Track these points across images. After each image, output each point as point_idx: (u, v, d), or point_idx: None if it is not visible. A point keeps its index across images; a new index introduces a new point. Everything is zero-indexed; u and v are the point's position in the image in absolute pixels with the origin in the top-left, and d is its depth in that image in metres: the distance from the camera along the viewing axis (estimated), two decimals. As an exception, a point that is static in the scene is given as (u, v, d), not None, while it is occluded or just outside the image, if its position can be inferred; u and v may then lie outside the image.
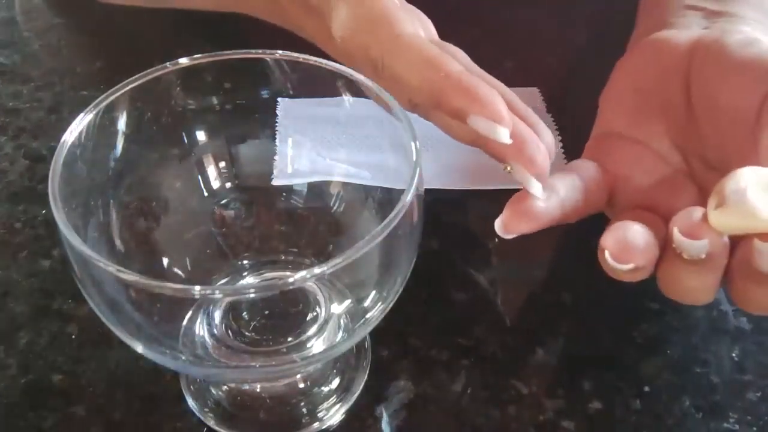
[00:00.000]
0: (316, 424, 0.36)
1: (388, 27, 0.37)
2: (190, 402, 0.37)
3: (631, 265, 0.32)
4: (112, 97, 0.34)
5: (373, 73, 0.38)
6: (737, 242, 0.33)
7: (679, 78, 0.38)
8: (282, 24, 0.47)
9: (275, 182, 0.41)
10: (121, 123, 0.36)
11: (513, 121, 0.36)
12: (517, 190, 0.45)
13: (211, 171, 0.39)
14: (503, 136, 0.35)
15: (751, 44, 0.37)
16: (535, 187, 0.36)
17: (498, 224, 0.35)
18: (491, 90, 0.35)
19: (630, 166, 0.39)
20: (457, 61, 0.37)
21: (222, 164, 0.39)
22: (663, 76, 0.39)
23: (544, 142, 0.36)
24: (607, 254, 0.33)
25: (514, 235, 0.35)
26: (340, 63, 0.39)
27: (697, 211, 0.32)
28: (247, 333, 0.37)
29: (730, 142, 0.36)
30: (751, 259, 0.31)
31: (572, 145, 0.46)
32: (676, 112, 0.39)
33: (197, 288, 0.33)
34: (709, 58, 0.38)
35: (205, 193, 0.39)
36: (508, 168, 0.36)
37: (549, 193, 0.36)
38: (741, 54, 0.37)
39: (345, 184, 0.40)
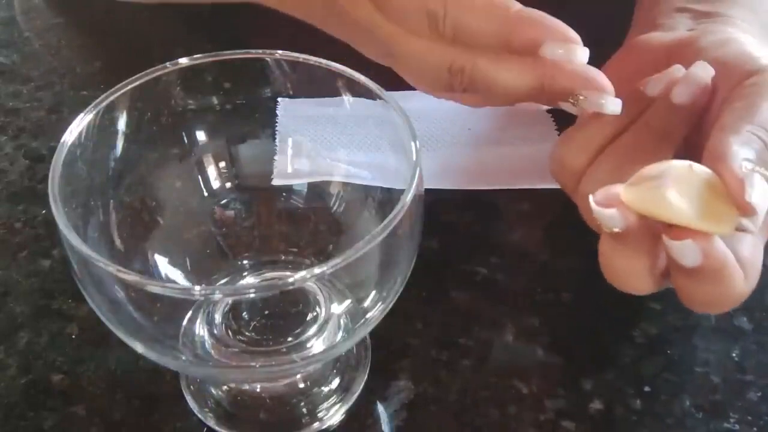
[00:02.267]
0: (316, 424, 0.36)
1: None
2: (190, 402, 0.37)
3: (613, 210, 0.32)
4: (112, 97, 0.34)
5: (430, 27, 0.38)
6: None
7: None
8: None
9: (275, 182, 0.41)
10: (121, 123, 0.36)
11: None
12: (516, 191, 0.45)
13: (211, 171, 0.39)
14: (582, 54, 0.36)
15: (724, 45, 0.37)
16: (615, 104, 0.37)
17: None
18: (557, 20, 0.36)
19: None
20: None
21: (222, 164, 0.39)
22: (640, 77, 0.39)
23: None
24: (591, 201, 0.33)
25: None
26: (374, 25, 0.38)
27: (618, 187, 0.32)
28: (247, 333, 0.37)
29: (701, 143, 0.36)
30: (669, 251, 0.32)
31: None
32: None
33: (197, 288, 0.33)
34: (685, 59, 0.38)
35: (205, 193, 0.39)
36: (581, 97, 0.37)
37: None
38: (713, 54, 0.37)
39: (345, 184, 0.40)
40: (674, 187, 0.31)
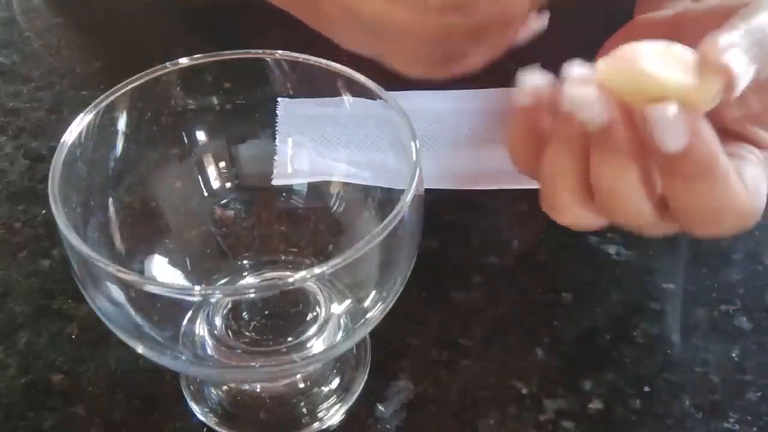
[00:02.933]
0: (316, 424, 0.36)
1: None
2: (190, 402, 0.37)
3: (591, 92, 0.30)
4: (112, 97, 0.34)
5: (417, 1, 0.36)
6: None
7: None
8: None
9: (275, 182, 0.41)
10: (121, 123, 0.36)
11: None
12: (516, 191, 0.45)
13: (211, 171, 0.39)
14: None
15: (723, 3, 0.36)
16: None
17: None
18: None
19: None
20: None
21: (222, 164, 0.39)
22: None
23: None
24: (566, 88, 0.31)
25: None
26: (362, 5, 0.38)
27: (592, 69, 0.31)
28: (247, 333, 0.37)
29: None
30: (651, 136, 0.29)
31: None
32: None
33: (197, 288, 0.33)
34: (688, 24, 0.37)
35: (205, 193, 0.39)
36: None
37: None
38: (714, 10, 0.36)
39: (345, 184, 0.40)
40: (653, 58, 0.30)
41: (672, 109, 0.29)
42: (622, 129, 0.30)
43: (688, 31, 0.37)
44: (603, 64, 0.30)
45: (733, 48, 0.30)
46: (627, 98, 0.30)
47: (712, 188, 0.31)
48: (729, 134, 0.35)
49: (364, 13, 0.39)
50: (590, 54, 0.40)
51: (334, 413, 0.36)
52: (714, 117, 0.35)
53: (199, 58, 0.36)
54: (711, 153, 0.30)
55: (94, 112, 0.34)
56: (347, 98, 0.37)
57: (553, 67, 0.37)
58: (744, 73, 0.30)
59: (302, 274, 0.28)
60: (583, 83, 0.30)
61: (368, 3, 0.39)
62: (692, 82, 0.30)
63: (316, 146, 0.43)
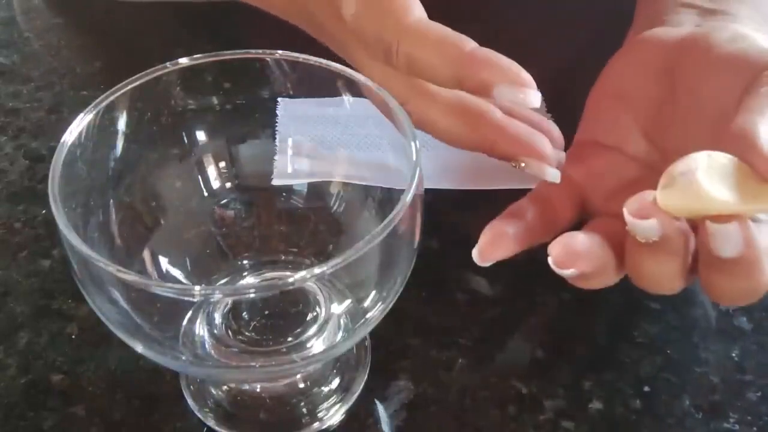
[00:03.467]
0: (316, 424, 0.36)
1: (401, 10, 0.37)
2: (190, 402, 0.37)
3: (572, 270, 0.33)
4: (112, 97, 0.34)
5: (385, 57, 0.38)
6: (698, 229, 0.32)
7: (665, 75, 0.38)
8: (286, 6, 0.46)
9: (275, 182, 0.41)
10: (121, 123, 0.36)
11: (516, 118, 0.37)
12: (517, 191, 0.45)
13: (211, 171, 0.39)
14: (534, 99, 0.35)
15: (736, 40, 0.37)
16: (553, 175, 0.37)
17: (475, 253, 0.36)
18: (511, 61, 0.36)
19: (601, 174, 0.39)
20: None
21: (222, 164, 0.39)
22: (648, 74, 0.39)
23: (552, 132, 0.39)
24: (550, 260, 0.34)
25: (491, 262, 0.36)
26: (347, 43, 0.38)
27: (650, 194, 0.32)
28: (247, 333, 0.37)
29: (714, 137, 0.36)
30: (707, 243, 0.31)
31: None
32: (659, 110, 0.39)
33: (197, 288, 0.33)
34: (695, 54, 0.38)
35: (205, 193, 0.39)
36: (522, 164, 0.38)
37: (516, 222, 0.37)
38: (727, 49, 0.37)
39: (345, 184, 0.40)
40: (707, 178, 0.30)
41: (734, 228, 0.30)
42: (675, 238, 0.32)
43: (694, 58, 0.37)
44: (665, 195, 0.31)
45: None
46: (685, 216, 0.32)
47: (745, 282, 0.32)
48: None
49: (353, 56, 0.40)
50: (590, 52, 0.40)
51: (334, 413, 0.36)
52: None
53: (199, 58, 0.36)
54: (758, 257, 0.31)
55: (94, 112, 0.34)
56: (347, 98, 0.37)
57: (555, 64, 0.37)
58: None
59: (302, 274, 0.28)
60: (643, 211, 0.32)
61: (356, 49, 0.40)
62: (747, 202, 0.30)
63: (316, 146, 0.43)
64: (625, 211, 0.32)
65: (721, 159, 0.31)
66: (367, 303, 0.34)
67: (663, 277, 0.34)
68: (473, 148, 0.40)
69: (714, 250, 0.31)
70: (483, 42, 0.36)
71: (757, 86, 0.34)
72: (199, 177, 0.39)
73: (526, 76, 0.35)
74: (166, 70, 0.36)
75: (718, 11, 0.40)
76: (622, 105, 0.40)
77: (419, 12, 0.38)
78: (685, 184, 0.31)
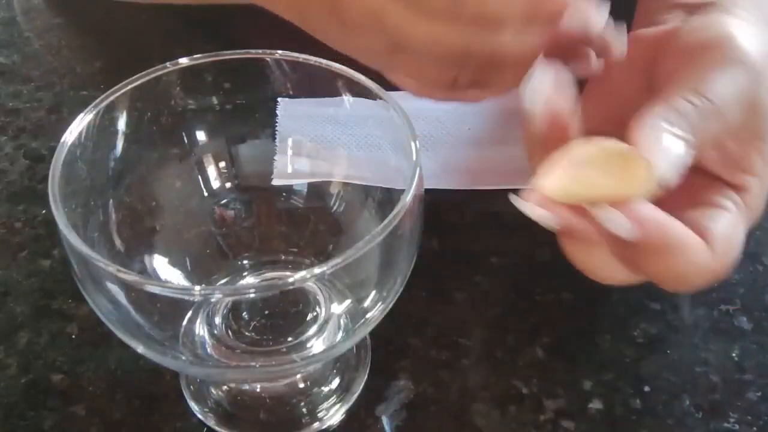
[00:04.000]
0: (316, 424, 0.36)
1: None
2: (190, 402, 0.37)
3: (542, 211, 0.32)
4: (112, 97, 0.34)
5: (448, 6, 0.36)
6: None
7: (641, 70, 0.38)
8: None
9: (275, 182, 0.41)
10: (121, 123, 0.36)
11: None
12: (516, 191, 0.45)
13: (211, 171, 0.39)
14: (602, 14, 0.35)
15: (703, 28, 0.37)
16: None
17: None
18: None
19: None
20: None
21: (222, 164, 0.39)
22: (629, 72, 0.39)
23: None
24: (522, 205, 0.32)
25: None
26: (378, 15, 0.37)
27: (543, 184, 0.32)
28: (247, 333, 0.37)
29: None
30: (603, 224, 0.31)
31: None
32: (636, 105, 0.38)
33: (197, 288, 0.33)
34: (668, 48, 0.37)
35: (205, 193, 0.39)
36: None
37: None
38: (689, 38, 0.36)
39: (345, 184, 0.40)
40: (584, 166, 0.31)
41: (614, 213, 0.31)
42: (580, 225, 0.32)
43: (664, 50, 0.37)
44: (546, 184, 0.31)
45: (663, 139, 0.31)
46: (576, 203, 0.32)
47: (670, 262, 0.32)
48: (710, 178, 0.35)
49: (389, 21, 0.38)
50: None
51: (334, 413, 0.36)
52: (694, 162, 0.36)
53: (199, 58, 0.36)
54: (663, 233, 0.31)
55: (94, 112, 0.34)
56: (347, 98, 0.37)
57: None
58: (678, 154, 0.31)
59: (302, 274, 0.28)
60: (530, 204, 0.32)
61: (395, 11, 0.38)
62: (625, 180, 0.31)
63: (316, 146, 0.43)
64: (521, 205, 0.32)
65: (606, 145, 0.31)
66: (367, 303, 0.34)
67: (598, 266, 0.34)
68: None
69: (611, 230, 0.31)
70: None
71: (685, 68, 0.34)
72: (199, 177, 0.39)
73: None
74: (166, 70, 0.36)
75: (706, 4, 0.40)
76: (607, 103, 0.39)
77: None
78: (563, 172, 0.31)
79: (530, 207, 0.32)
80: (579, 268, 0.35)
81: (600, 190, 0.31)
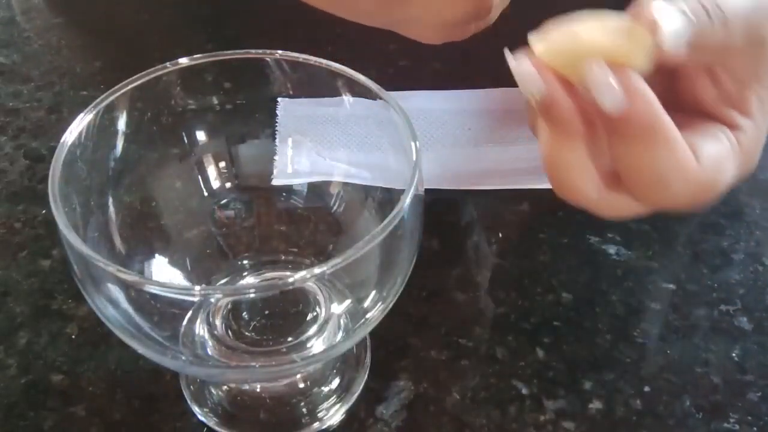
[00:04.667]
0: (316, 424, 0.36)
1: None
2: (190, 402, 0.37)
3: (530, 68, 0.31)
4: (112, 97, 0.34)
5: None
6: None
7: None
8: None
9: (275, 182, 0.41)
10: (121, 123, 0.36)
11: None
12: (516, 191, 0.45)
13: (211, 171, 0.39)
14: None
15: None
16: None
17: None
18: None
19: None
20: None
21: (222, 164, 0.39)
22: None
23: None
24: (511, 63, 0.32)
25: None
26: None
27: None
28: (247, 333, 0.37)
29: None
30: (594, 99, 0.30)
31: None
32: None
33: (197, 288, 0.33)
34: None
35: (205, 193, 0.39)
36: None
37: None
38: None
39: (345, 184, 0.40)
40: (584, 27, 0.31)
41: (603, 67, 0.30)
42: (564, 100, 0.31)
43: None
44: (541, 42, 0.31)
45: (663, 10, 0.30)
46: (567, 71, 0.31)
47: (654, 150, 0.31)
48: (706, 116, 0.35)
49: None
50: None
51: (334, 413, 0.36)
52: (691, 98, 0.36)
53: (199, 58, 0.36)
54: (650, 113, 0.31)
55: (94, 112, 0.34)
56: (347, 98, 0.36)
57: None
58: (676, 28, 0.30)
59: (302, 274, 0.28)
60: (521, 60, 0.31)
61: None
62: (622, 42, 0.30)
63: (316, 146, 0.43)
64: (511, 65, 0.31)
65: (613, 19, 0.31)
66: (367, 303, 0.34)
67: (574, 172, 0.32)
68: None
69: (599, 103, 0.30)
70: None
71: None
72: (199, 177, 0.39)
73: None
74: (166, 70, 0.36)
75: None
76: None
77: None
78: (561, 31, 0.31)
79: (519, 62, 0.31)
80: (554, 174, 0.33)
81: (592, 51, 0.30)
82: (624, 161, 0.32)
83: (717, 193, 0.34)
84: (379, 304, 0.33)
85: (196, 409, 0.36)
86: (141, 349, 0.32)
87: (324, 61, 0.36)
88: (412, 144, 0.32)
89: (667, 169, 0.32)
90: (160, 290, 0.30)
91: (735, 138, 0.35)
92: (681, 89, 0.36)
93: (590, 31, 0.31)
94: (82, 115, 0.33)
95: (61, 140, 0.32)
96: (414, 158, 0.31)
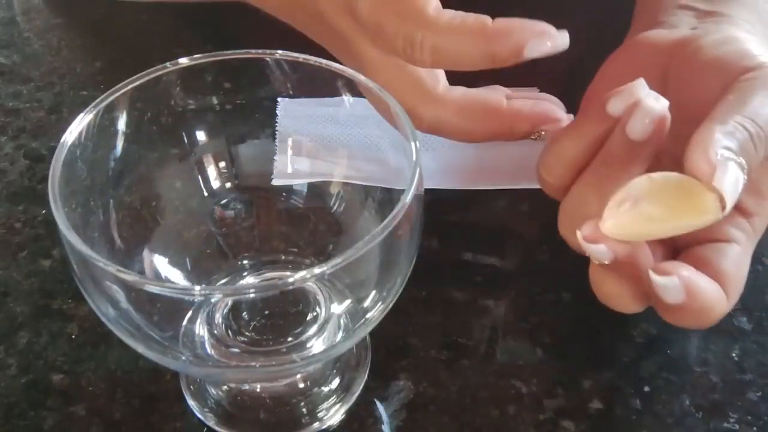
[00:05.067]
0: (316, 424, 0.36)
1: (421, 2, 0.36)
2: (190, 402, 0.37)
3: (602, 246, 0.33)
4: (112, 97, 0.34)
5: (404, 52, 0.37)
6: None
7: (658, 77, 0.38)
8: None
9: (275, 182, 0.41)
10: (121, 123, 0.36)
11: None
12: (516, 191, 0.45)
13: (211, 171, 0.39)
14: (563, 38, 0.36)
15: (724, 43, 0.37)
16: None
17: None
18: (526, 20, 0.36)
19: None
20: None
21: (222, 164, 0.39)
22: (642, 75, 0.39)
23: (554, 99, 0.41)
24: (580, 236, 0.33)
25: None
26: (354, 40, 0.39)
27: (603, 221, 0.33)
28: (247, 333, 0.37)
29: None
30: (654, 288, 0.33)
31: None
32: None
33: (197, 288, 0.33)
34: (684, 57, 0.38)
35: (205, 193, 0.39)
36: (542, 134, 0.39)
37: None
38: (713, 53, 0.37)
39: (345, 184, 0.40)
40: (645, 201, 0.31)
41: (673, 281, 0.32)
42: (626, 263, 0.33)
43: (683, 60, 0.38)
44: (608, 224, 0.32)
45: (722, 164, 0.31)
46: (632, 239, 0.33)
47: (699, 318, 0.34)
48: None
49: (338, 27, 0.40)
50: (590, 52, 0.40)
51: (334, 413, 0.36)
52: None
53: (199, 58, 0.36)
54: (704, 305, 0.33)
55: (94, 112, 0.34)
56: (347, 98, 0.37)
57: (553, 64, 0.37)
58: (736, 183, 0.31)
59: (302, 274, 0.28)
60: (594, 236, 0.33)
61: (374, 72, 0.39)
62: (690, 221, 0.31)
63: (316, 146, 0.43)
64: (579, 236, 0.33)
65: (663, 178, 0.32)
66: (367, 303, 0.34)
67: (618, 297, 0.35)
68: (490, 138, 0.40)
69: (660, 297, 0.33)
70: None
71: (727, 94, 0.34)
72: (199, 177, 0.39)
73: (546, 25, 0.36)
74: (166, 70, 0.36)
75: (716, 13, 0.40)
76: None
77: (436, 2, 0.37)
78: (625, 210, 0.32)
79: (587, 243, 0.33)
80: (601, 296, 0.36)
81: (660, 226, 0.32)
82: (667, 316, 0.35)
83: (739, 295, 0.36)
84: (379, 304, 0.33)
85: (196, 409, 0.36)
86: (141, 349, 0.32)
87: (324, 61, 0.36)
88: (412, 144, 0.32)
89: (705, 323, 0.34)
90: (160, 290, 0.30)
91: (750, 225, 0.36)
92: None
93: (652, 205, 0.31)
94: (82, 115, 0.33)
95: (61, 140, 0.32)
96: (414, 158, 0.31)
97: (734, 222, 0.36)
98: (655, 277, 0.32)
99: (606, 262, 0.33)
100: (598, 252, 0.33)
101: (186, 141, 0.39)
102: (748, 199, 0.36)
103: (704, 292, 0.33)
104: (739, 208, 0.36)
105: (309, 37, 0.43)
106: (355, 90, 0.36)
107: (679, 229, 0.31)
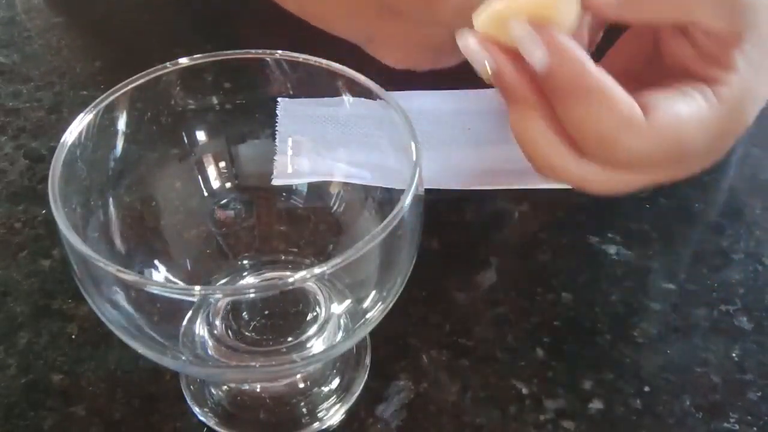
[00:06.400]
0: (316, 424, 0.36)
1: None
2: (190, 402, 0.37)
3: (475, 44, 0.32)
4: (112, 97, 0.34)
5: None
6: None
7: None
8: None
9: (275, 182, 0.41)
10: (121, 123, 0.36)
11: None
12: (516, 191, 0.45)
13: (211, 171, 0.39)
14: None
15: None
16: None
17: None
18: None
19: None
20: None
21: (222, 164, 0.39)
22: (642, 57, 0.39)
23: None
24: (461, 44, 0.33)
25: None
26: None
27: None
28: (247, 333, 0.37)
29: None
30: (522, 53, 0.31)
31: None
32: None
33: (197, 288, 0.33)
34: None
35: (205, 193, 0.39)
36: None
37: None
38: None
39: (345, 184, 0.40)
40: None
41: (523, 25, 0.31)
42: (509, 69, 0.32)
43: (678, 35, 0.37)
44: (477, 14, 0.32)
45: None
46: (506, 39, 0.32)
47: (590, 107, 0.31)
48: (689, 75, 0.35)
49: None
50: (598, 46, 0.40)
51: (334, 413, 0.36)
52: (671, 60, 0.36)
53: (199, 58, 0.36)
54: (578, 69, 0.31)
55: (94, 112, 0.34)
56: (347, 98, 0.37)
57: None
58: None
59: (302, 274, 0.28)
60: (466, 37, 0.32)
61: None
62: (547, 1, 0.31)
63: (316, 146, 0.43)
64: (459, 43, 0.32)
65: None
66: (367, 303, 0.34)
67: (538, 141, 0.33)
68: None
69: (530, 62, 0.31)
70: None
71: None
72: (199, 177, 0.39)
73: None
74: (166, 70, 0.36)
75: None
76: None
77: None
78: (494, 6, 0.32)
79: (465, 40, 0.32)
80: (524, 151, 0.34)
81: (521, 12, 0.31)
82: (568, 124, 0.32)
83: (690, 151, 0.33)
84: (379, 304, 0.33)
85: (196, 409, 0.36)
86: (141, 349, 0.32)
87: (324, 61, 0.36)
88: (412, 144, 0.32)
89: (608, 127, 0.31)
90: (160, 290, 0.30)
91: (715, 93, 0.34)
92: (663, 52, 0.36)
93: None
94: (82, 115, 0.33)
95: (61, 140, 0.32)
96: (414, 158, 0.31)
97: (694, 84, 0.35)
98: (513, 29, 0.31)
99: (490, 70, 0.32)
100: (474, 52, 0.32)
101: (186, 141, 0.39)
102: (710, 67, 0.35)
103: (587, 64, 0.31)
104: (704, 77, 0.35)
105: (306, 11, 0.41)
106: (355, 90, 0.36)
107: (535, 14, 0.31)
